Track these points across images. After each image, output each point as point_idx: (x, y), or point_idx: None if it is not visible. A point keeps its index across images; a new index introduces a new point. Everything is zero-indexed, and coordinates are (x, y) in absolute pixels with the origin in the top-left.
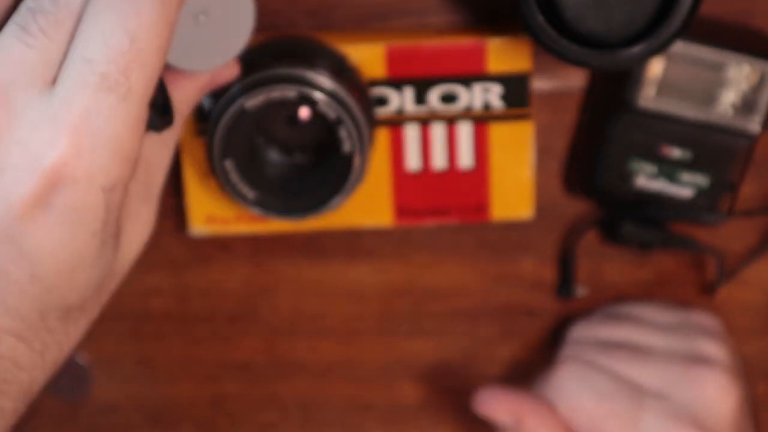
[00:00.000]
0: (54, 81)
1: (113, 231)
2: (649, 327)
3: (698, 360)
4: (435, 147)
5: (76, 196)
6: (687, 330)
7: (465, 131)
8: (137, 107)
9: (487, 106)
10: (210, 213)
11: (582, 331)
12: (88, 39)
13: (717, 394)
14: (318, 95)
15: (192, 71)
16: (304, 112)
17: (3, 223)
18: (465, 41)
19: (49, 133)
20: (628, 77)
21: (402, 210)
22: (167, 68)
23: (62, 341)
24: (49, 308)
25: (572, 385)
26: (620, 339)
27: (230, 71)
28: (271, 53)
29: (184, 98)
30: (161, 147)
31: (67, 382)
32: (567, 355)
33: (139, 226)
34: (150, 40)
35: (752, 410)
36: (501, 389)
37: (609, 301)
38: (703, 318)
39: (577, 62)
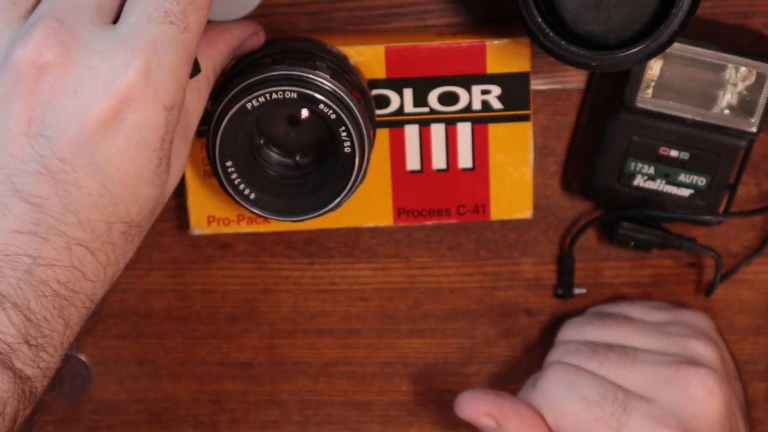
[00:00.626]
0: (115, 19)
1: (167, 153)
2: (637, 327)
3: (685, 361)
4: (435, 147)
5: (144, 115)
6: (676, 329)
7: (464, 132)
8: (191, 42)
9: (486, 107)
10: (210, 213)
11: (570, 333)
12: None
13: (703, 395)
14: (318, 95)
15: (216, 21)
16: (304, 112)
17: (79, 139)
18: (464, 42)
19: (121, 58)
20: (627, 78)
21: (402, 210)
22: None
23: (120, 257)
24: (114, 221)
25: (559, 390)
26: (608, 340)
27: (258, 39)
28: (271, 53)
29: (216, 54)
30: (196, 94)
31: (68, 382)
32: (554, 359)
33: (178, 161)
34: None
35: (744, 409)
36: (482, 392)
37: (606, 301)
38: (693, 317)
39: (576, 63)
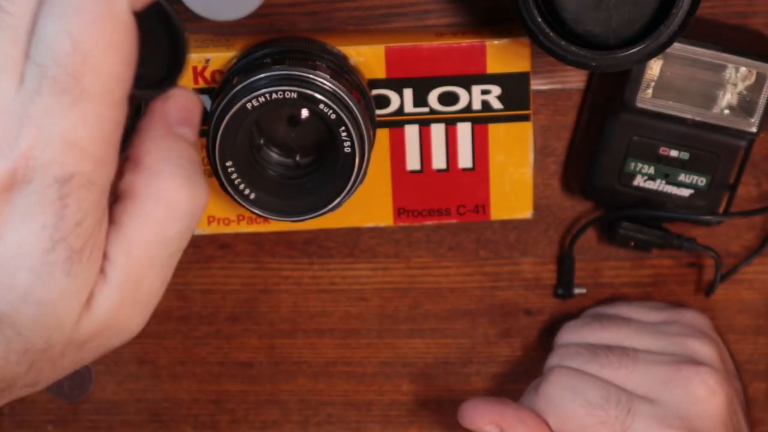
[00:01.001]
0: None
1: (73, 242)
2: (635, 328)
3: (686, 361)
4: (435, 147)
5: (32, 187)
6: (674, 329)
7: (464, 132)
8: (95, 106)
9: (486, 107)
10: (210, 213)
11: (569, 336)
12: (38, 42)
13: (705, 394)
14: (318, 95)
15: (214, 20)
16: (304, 112)
17: None
18: (464, 42)
19: (14, 128)
20: (627, 78)
21: (402, 210)
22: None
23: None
24: None
25: (562, 395)
26: (607, 342)
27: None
28: (271, 53)
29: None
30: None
31: (68, 382)
32: (554, 363)
33: (122, 257)
34: (96, 40)
35: (744, 407)
36: (484, 401)
37: (606, 301)
38: (691, 317)
39: (576, 63)
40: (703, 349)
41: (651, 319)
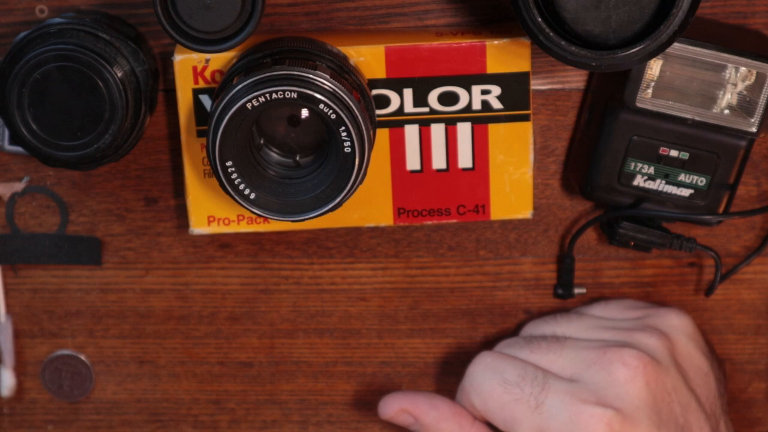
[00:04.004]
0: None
1: None
2: (586, 322)
3: (614, 345)
4: (435, 147)
5: None
6: (630, 324)
7: (464, 132)
8: None
9: (486, 107)
10: (210, 213)
11: (527, 329)
12: None
13: (625, 375)
14: (318, 95)
15: None
16: (304, 112)
17: None
18: (464, 42)
19: None
20: (627, 78)
21: (402, 210)
22: None
23: None
24: None
25: (484, 375)
26: (549, 333)
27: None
28: (271, 53)
29: None
30: None
31: (68, 381)
32: (492, 349)
33: None
34: None
35: (712, 408)
36: (399, 393)
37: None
38: (665, 316)
39: (576, 63)
40: (645, 340)
41: (620, 316)
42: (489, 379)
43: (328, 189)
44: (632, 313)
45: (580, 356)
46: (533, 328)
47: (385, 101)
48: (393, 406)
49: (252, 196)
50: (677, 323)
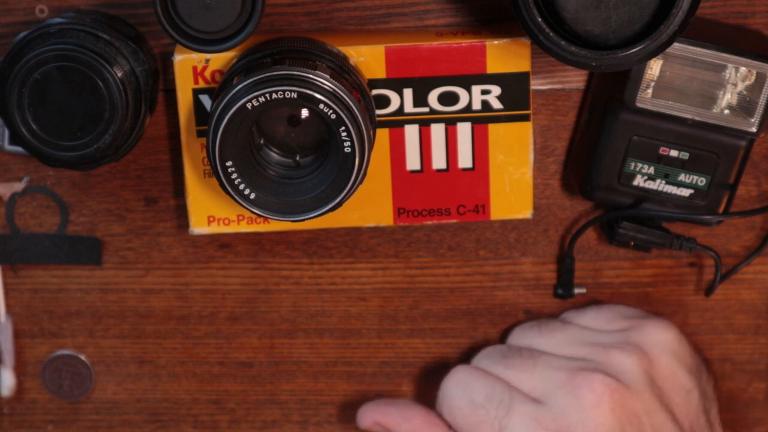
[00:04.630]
0: None
1: None
2: (567, 334)
3: (586, 368)
4: (435, 147)
5: None
6: (611, 338)
7: (464, 132)
8: None
9: (486, 107)
10: (210, 213)
11: (513, 338)
12: None
13: (590, 401)
14: (318, 95)
15: None
16: (304, 112)
17: None
18: (464, 42)
19: None
20: (627, 78)
21: (402, 210)
22: None
23: None
24: None
25: (454, 391)
26: (532, 345)
27: None
28: (271, 53)
29: None
30: None
31: (68, 381)
32: (471, 361)
33: None
34: None
35: (697, 424)
36: (374, 403)
37: (605, 301)
38: (649, 330)
39: (576, 63)
40: (623, 360)
41: (602, 326)
42: (459, 396)
43: (328, 189)
44: (620, 324)
45: (551, 377)
46: (517, 336)
47: (385, 101)
48: (367, 418)
49: (252, 196)
50: (661, 339)
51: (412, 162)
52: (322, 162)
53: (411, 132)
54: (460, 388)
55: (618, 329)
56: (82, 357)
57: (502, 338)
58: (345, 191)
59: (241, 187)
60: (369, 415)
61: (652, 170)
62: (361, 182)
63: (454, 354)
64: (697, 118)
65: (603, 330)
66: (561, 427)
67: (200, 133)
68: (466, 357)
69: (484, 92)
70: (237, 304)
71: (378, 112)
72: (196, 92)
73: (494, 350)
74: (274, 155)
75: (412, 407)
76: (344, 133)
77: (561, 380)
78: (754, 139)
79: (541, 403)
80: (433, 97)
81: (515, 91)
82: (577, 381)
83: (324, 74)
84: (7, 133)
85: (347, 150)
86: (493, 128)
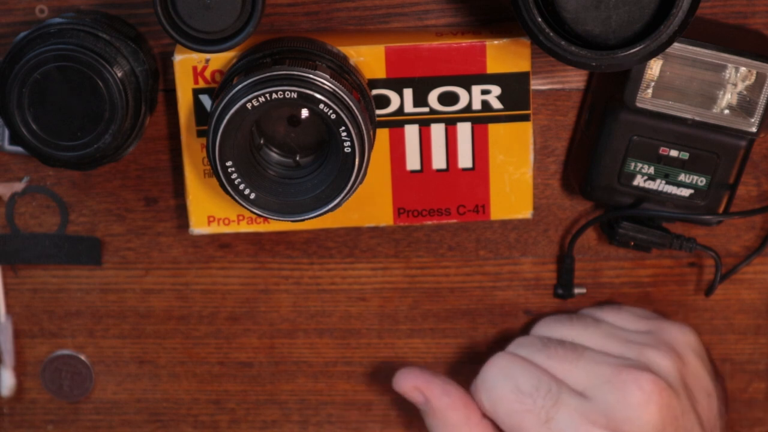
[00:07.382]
0: None
1: None
2: (601, 330)
3: (631, 365)
4: (435, 147)
5: None
6: (643, 338)
7: (464, 132)
8: None
9: (486, 107)
10: (210, 213)
11: (540, 328)
12: None
13: (639, 399)
14: (318, 95)
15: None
16: (304, 112)
17: None
18: (464, 42)
19: None
20: (627, 78)
21: (402, 210)
22: None
23: None
24: None
25: (496, 379)
26: (565, 337)
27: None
28: (271, 53)
29: None
30: None
31: (68, 381)
32: (507, 350)
33: None
34: None
35: (715, 428)
36: (417, 369)
37: (606, 301)
38: (672, 330)
39: (576, 63)
40: (660, 360)
41: (631, 326)
42: (502, 384)
43: (328, 189)
44: (643, 324)
45: (596, 371)
46: (548, 328)
47: (385, 101)
48: (408, 382)
49: (252, 196)
50: (686, 340)
51: (412, 162)
52: (322, 162)
53: (411, 132)
54: (503, 376)
55: (644, 329)
56: (82, 357)
57: (503, 338)
58: (345, 191)
59: (241, 187)
60: (410, 379)
61: (652, 170)
62: (361, 182)
63: (454, 354)
64: (697, 118)
65: (632, 329)
66: (608, 422)
67: (200, 133)
68: (466, 357)
69: (484, 92)
70: (237, 304)
71: (378, 112)
72: (196, 92)
73: (532, 340)
74: (274, 155)
75: (452, 384)
76: (344, 133)
77: (607, 375)
78: (754, 139)
79: (587, 397)
80: (433, 97)
81: (515, 91)
82: (624, 377)
83: (324, 74)
84: (7, 133)
85: (347, 150)
86: (493, 128)
